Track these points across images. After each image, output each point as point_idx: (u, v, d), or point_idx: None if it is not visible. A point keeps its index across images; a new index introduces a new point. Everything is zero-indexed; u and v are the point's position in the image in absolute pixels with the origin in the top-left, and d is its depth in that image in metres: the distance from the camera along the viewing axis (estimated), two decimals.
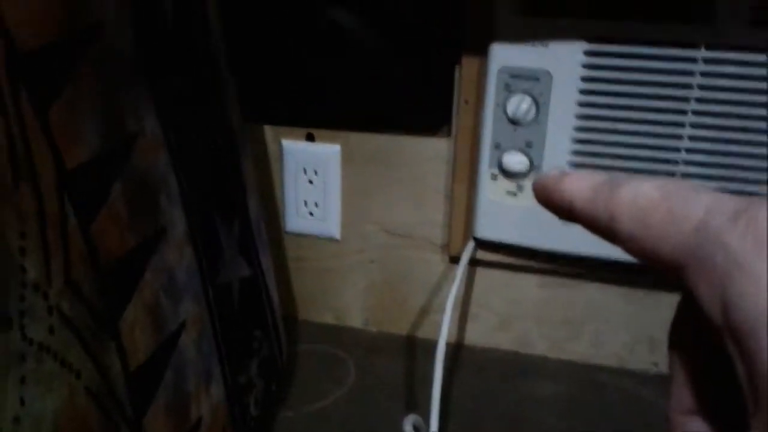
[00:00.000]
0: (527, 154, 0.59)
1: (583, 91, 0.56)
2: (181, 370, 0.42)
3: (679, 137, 0.55)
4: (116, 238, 0.35)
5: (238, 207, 0.53)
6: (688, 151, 0.56)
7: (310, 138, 0.69)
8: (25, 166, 0.28)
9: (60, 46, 0.31)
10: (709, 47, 0.52)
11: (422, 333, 0.74)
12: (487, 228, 0.64)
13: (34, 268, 0.29)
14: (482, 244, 0.66)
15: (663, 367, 0.69)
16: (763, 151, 0.54)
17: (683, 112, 0.55)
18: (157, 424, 0.38)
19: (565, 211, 0.21)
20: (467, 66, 0.61)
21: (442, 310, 0.59)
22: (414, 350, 0.72)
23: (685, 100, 0.54)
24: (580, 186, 0.21)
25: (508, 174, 0.61)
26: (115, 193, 0.35)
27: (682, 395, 0.21)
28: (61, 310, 0.30)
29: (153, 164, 0.39)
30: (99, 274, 0.33)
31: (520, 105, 0.57)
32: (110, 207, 0.35)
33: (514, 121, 0.59)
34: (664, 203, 0.18)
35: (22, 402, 0.27)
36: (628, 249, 0.19)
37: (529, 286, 0.69)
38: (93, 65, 0.33)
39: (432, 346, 0.57)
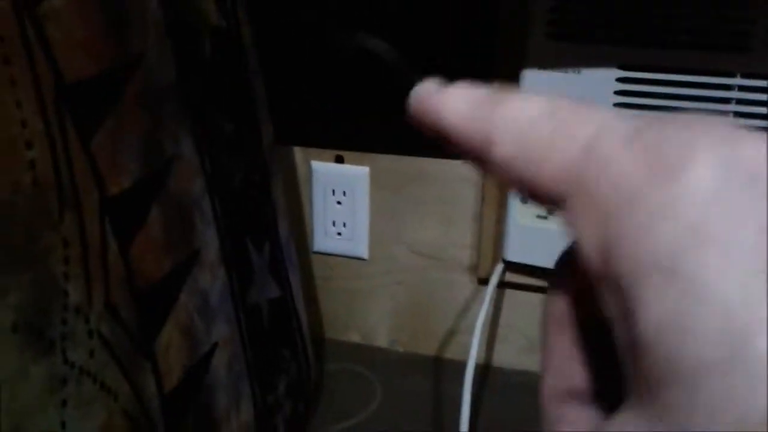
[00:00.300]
0: None
1: None
2: (213, 391, 0.42)
3: None
4: (153, 261, 0.36)
5: (269, 229, 0.54)
6: None
7: (340, 160, 0.69)
8: (70, 194, 0.29)
9: (104, 77, 0.32)
10: (744, 75, 0.52)
11: (449, 354, 0.74)
12: (518, 251, 0.64)
13: (76, 292, 0.29)
14: (511, 266, 0.65)
15: None
16: None
17: None
18: None
19: (440, 133, 0.17)
20: None
21: (470, 332, 0.59)
22: (441, 371, 0.72)
23: None
24: (456, 101, 0.17)
25: None
26: (152, 217, 0.36)
27: (558, 376, 0.17)
28: (101, 333, 0.31)
29: (189, 188, 0.40)
30: (136, 296, 0.34)
31: None
32: (148, 231, 0.35)
33: None
34: (550, 120, 0.15)
35: (63, 425, 0.28)
36: (507, 178, 0.16)
37: None
38: (134, 95, 0.34)
39: (459, 367, 0.57)
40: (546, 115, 0.15)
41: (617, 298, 0.12)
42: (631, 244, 0.12)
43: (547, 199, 0.15)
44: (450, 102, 0.17)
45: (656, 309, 0.11)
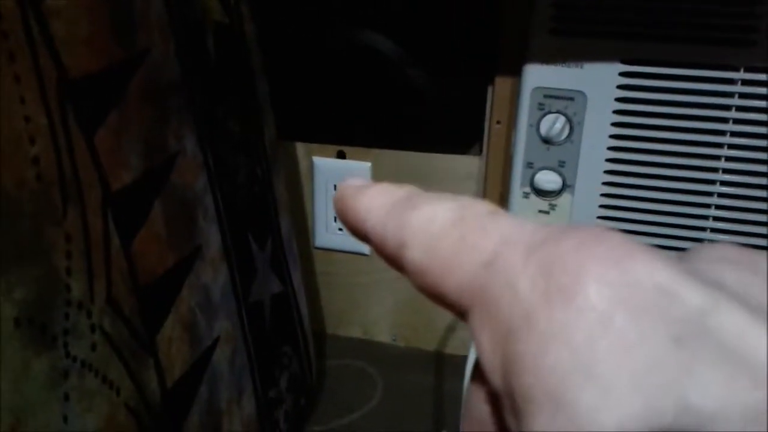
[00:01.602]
0: (560, 173, 0.59)
1: (617, 112, 0.56)
2: (215, 385, 0.42)
3: (717, 158, 0.55)
4: (155, 256, 0.36)
5: (270, 224, 0.54)
6: (726, 171, 0.55)
7: (341, 155, 0.69)
8: (73, 189, 0.29)
9: (108, 73, 0.32)
10: (747, 69, 0.52)
11: (450, 349, 0.74)
12: None
13: (78, 286, 0.29)
14: None
15: None
16: None
17: (721, 133, 0.54)
18: None
19: (361, 232, 0.17)
20: (500, 85, 0.61)
21: None
22: (442, 366, 0.72)
23: (724, 121, 0.54)
24: (375, 203, 0.17)
25: (540, 193, 0.61)
26: (155, 212, 0.36)
27: None
28: (103, 327, 0.31)
29: (191, 184, 0.40)
30: (138, 291, 0.34)
31: (554, 124, 0.57)
32: (150, 226, 0.35)
33: (547, 141, 0.59)
34: (457, 229, 0.14)
35: (65, 419, 0.28)
36: (416, 284, 0.15)
37: None
38: (138, 91, 0.34)
39: (460, 362, 0.57)
40: (454, 222, 0.14)
41: (514, 414, 0.12)
42: (527, 367, 0.12)
43: (455, 309, 0.14)
44: (368, 203, 0.17)
45: None
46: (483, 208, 0.15)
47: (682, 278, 0.11)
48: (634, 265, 0.12)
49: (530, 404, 0.12)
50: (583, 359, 0.11)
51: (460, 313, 0.14)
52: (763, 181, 0.54)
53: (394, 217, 0.16)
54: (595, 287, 0.11)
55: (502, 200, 0.64)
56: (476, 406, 0.15)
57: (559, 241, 0.12)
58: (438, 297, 0.15)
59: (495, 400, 0.15)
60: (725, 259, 0.13)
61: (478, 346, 0.13)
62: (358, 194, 0.17)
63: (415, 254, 0.15)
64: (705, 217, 0.57)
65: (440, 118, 0.65)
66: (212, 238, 0.43)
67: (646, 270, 0.11)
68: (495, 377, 0.13)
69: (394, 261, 0.16)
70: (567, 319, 0.11)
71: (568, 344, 0.11)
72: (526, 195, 0.62)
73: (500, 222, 0.14)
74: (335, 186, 0.70)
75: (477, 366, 0.16)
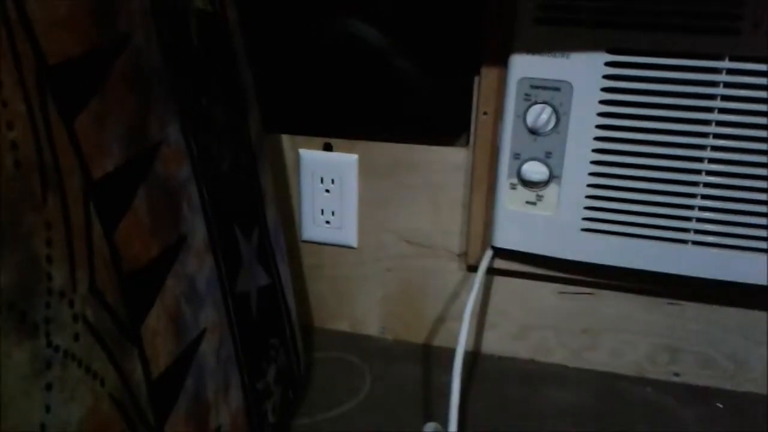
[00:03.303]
0: (547, 164, 0.59)
1: (603, 102, 0.56)
2: (201, 377, 0.42)
3: (702, 147, 0.55)
4: (139, 246, 0.36)
5: (256, 216, 0.53)
6: (711, 161, 0.55)
7: (328, 148, 0.69)
8: (52, 176, 0.28)
9: (87, 57, 0.31)
10: (732, 59, 0.52)
11: (439, 341, 0.74)
12: (506, 237, 0.64)
13: (59, 275, 0.29)
14: (500, 252, 0.66)
15: (684, 377, 0.68)
16: None
17: (706, 123, 0.54)
18: None
19: None
20: (487, 76, 0.61)
21: (459, 319, 0.59)
22: (430, 359, 0.72)
23: (709, 110, 0.54)
24: None
25: (527, 183, 0.61)
26: (138, 200, 0.36)
27: None
28: (86, 317, 0.31)
29: (175, 173, 0.40)
30: (122, 281, 0.34)
31: (540, 115, 0.57)
32: (133, 214, 0.35)
33: (533, 131, 0.59)
34: None
35: (48, 409, 0.28)
36: None
37: (548, 294, 0.69)
38: (120, 77, 0.34)
39: (449, 354, 0.57)
40: None
41: None
42: None
43: None
44: None
45: None
46: None
47: None
48: None
49: None
50: None
51: None
52: (747, 169, 0.55)
53: None
54: None
55: (490, 191, 0.64)
56: None
57: None
58: None
59: None
60: None
61: None
62: None
63: None
64: (690, 207, 0.57)
65: (427, 109, 0.65)
66: (197, 228, 0.42)
67: None
68: None
69: None
70: None
71: None
72: (513, 186, 0.62)
73: None
74: (322, 179, 0.70)
75: None
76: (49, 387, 0.28)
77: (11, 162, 0.26)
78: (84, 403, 0.30)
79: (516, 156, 0.60)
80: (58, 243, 0.29)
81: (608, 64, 0.55)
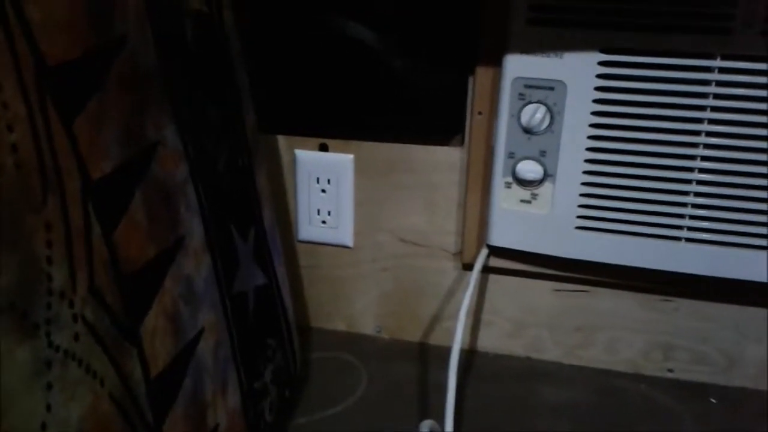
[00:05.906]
0: (541, 163, 0.60)
1: (597, 101, 0.56)
2: (199, 377, 0.42)
3: (694, 145, 0.56)
4: (137, 246, 0.36)
5: (253, 217, 0.54)
6: (704, 158, 0.56)
7: (324, 148, 0.69)
8: (52, 177, 0.28)
9: (85, 59, 0.31)
10: (724, 57, 0.52)
11: (434, 340, 0.74)
12: (501, 236, 0.64)
13: (59, 276, 0.29)
14: (495, 251, 0.66)
15: (678, 373, 0.69)
16: None
17: (699, 121, 0.55)
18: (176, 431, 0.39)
19: None
20: (481, 76, 0.61)
21: (455, 317, 0.59)
22: (426, 357, 0.73)
23: (701, 109, 0.54)
24: None
25: (521, 182, 0.61)
26: (136, 202, 0.36)
27: None
28: (85, 317, 0.31)
29: (172, 174, 0.40)
30: (121, 282, 0.34)
31: (534, 114, 0.58)
32: (131, 215, 0.35)
33: (528, 130, 0.59)
34: None
35: (48, 408, 0.28)
36: None
37: (543, 292, 0.69)
38: (117, 78, 0.34)
39: (445, 352, 0.57)
40: None
41: None
42: None
43: None
44: None
45: None
46: None
47: None
48: None
49: None
50: None
51: None
52: (740, 166, 0.55)
53: None
54: None
55: (485, 190, 0.64)
56: None
57: None
58: None
59: None
60: None
61: None
62: None
63: None
64: (684, 204, 0.58)
65: (422, 109, 0.65)
66: (194, 228, 0.42)
67: None
68: None
69: None
70: None
71: None
72: (508, 185, 0.62)
73: None
74: (318, 179, 0.70)
75: None
76: (49, 386, 0.28)
77: (12, 164, 0.26)
78: (84, 402, 0.30)
79: (510, 155, 0.61)
80: (58, 244, 0.29)
81: (601, 63, 0.55)
